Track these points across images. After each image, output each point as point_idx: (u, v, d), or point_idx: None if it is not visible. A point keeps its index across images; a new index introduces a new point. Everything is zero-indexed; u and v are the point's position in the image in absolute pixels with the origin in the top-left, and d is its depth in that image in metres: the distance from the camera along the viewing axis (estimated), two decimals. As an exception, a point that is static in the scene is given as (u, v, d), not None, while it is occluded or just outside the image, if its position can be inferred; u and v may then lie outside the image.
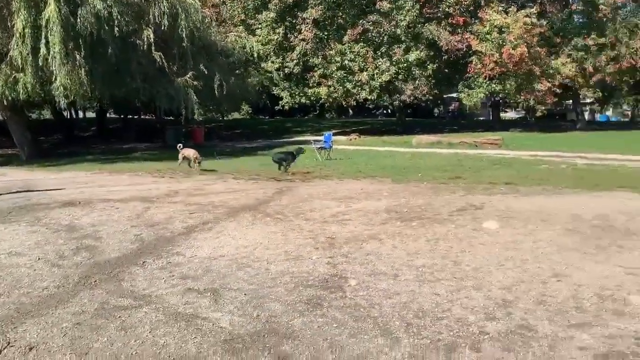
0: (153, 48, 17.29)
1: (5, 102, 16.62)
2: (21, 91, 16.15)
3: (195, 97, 19.17)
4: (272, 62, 30.25)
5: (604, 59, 29.50)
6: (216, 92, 20.36)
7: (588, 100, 46.59)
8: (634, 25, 30.19)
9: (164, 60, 17.71)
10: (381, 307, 3.99)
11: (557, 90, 30.56)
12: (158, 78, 18.46)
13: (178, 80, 18.57)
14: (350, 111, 54.60)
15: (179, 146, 14.73)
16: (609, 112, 57.17)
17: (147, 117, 46.06)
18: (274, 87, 33.56)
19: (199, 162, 14.23)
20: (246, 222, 7.26)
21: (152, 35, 17.18)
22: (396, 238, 6.08)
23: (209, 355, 3.26)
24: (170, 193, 10.27)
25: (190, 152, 14.60)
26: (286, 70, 30.75)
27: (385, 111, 53.84)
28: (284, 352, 3.28)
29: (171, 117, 32.94)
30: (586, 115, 45.67)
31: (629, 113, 55.90)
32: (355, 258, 5.32)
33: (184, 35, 18.04)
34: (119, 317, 3.91)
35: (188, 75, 18.69)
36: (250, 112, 56.86)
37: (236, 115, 54.72)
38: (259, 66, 30.38)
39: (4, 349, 3.41)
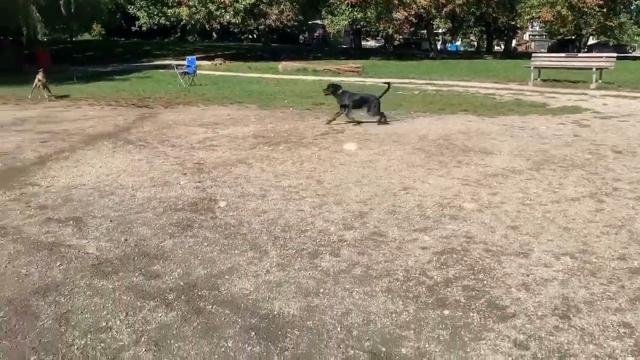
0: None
1: None
2: None
3: (38, 15, 17.07)
4: (126, -24, 27.70)
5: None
6: (63, 10, 18.29)
7: (441, 31, 49.67)
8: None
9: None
10: (250, 224, 4.19)
11: (413, 19, 32.13)
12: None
13: (16, -7, 16.35)
14: (215, 35, 52.41)
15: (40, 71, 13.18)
16: (459, 43, 61.63)
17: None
18: (129, 6, 30.87)
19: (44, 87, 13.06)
20: (106, 150, 6.94)
21: None
22: (264, 161, 6.27)
23: (77, 280, 3.23)
24: (16, 121, 9.36)
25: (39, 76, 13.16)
26: (143, -14, 28.40)
27: (250, 36, 52.48)
28: (155, 271, 3.37)
29: (9, 37, 28.96)
30: (439, 45, 48.80)
31: (475, 44, 60.88)
32: (224, 182, 5.43)
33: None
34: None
35: (29, -13, 16.53)
36: (103, 33, 52.00)
37: (87, 36, 49.75)
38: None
39: None
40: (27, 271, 3.36)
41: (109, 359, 2.45)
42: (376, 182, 5.37)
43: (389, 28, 33.29)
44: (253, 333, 2.63)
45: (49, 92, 13.11)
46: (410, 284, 3.19)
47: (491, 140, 7.47)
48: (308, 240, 3.86)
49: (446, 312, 2.88)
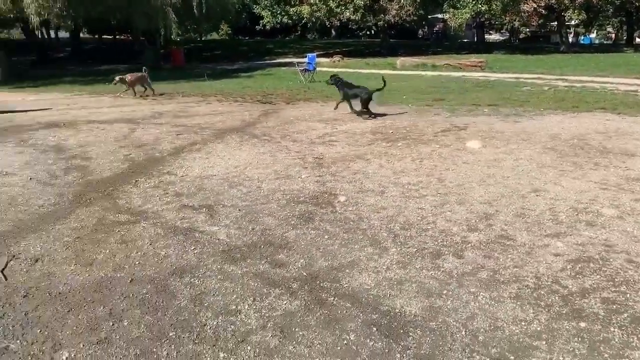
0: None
1: (-26, 19, 15.90)
2: (-10, 8, 15.45)
3: (173, 16, 18.53)
4: (254, -22, 29.07)
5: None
6: (195, 11, 19.67)
7: (573, 22, 46.00)
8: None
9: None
10: (369, 220, 4.19)
11: (543, 11, 30.10)
12: (135, -5, 17.77)
13: (155, -3, 17.87)
14: (333, 32, 53.23)
15: (116, 78, 13.18)
16: (593, 35, 56.67)
17: (122, 37, 44.33)
18: (254, 6, 32.40)
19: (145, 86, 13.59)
20: (234, 143, 7.33)
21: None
22: (382, 158, 6.24)
23: (209, 264, 3.45)
24: (155, 115, 10.21)
25: (130, 77, 13.42)
26: (268, -13, 29.61)
27: (368, 32, 52.57)
28: (280, 260, 3.49)
29: (143, 38, 31.79)
30: (570, 38, 45.26)
31: (613, 35, 55.49)
32: (343, 176, 5.49)
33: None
34: (118, 231, 4.07)
35: (166, -8, 17.99)
36: (229, 32, 55.05)
37: (215, 35, 52.99)
38: (240, -17, 29.22)
39: (10, 260, 3.56)
40: (165, 253, 3.65)
41: (239, 341, 2.58)
42: (502, 182, 5.10)
43: (515, 20, 31.52)
44: (375, 329, 2.63)
45: (152, 90, 13.72)
46: (542, 292, 2.99)
47: (634, 141, 6.76)
48: (429, 240, 3.77)
49: (582, 324, 2.66)
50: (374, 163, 6.02)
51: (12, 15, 17.63)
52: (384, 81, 9.28)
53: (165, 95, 13.79)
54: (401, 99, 11.78)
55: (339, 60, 26.78)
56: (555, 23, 39.71)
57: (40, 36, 34.46)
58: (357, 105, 9.29)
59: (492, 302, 2.88)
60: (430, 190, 4.93)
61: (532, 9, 28.75)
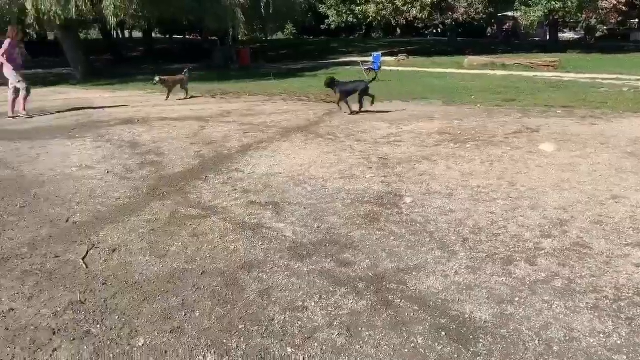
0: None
1: (57, 21, 16.89)
2: (73, 9, 16.36)
3: (242, 16, 18.96)
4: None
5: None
6: (262, 11, 20.04)
7: (657, 19, 43.18)
8: None
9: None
10: (437, 223, 4.12)
11: (623, 8, 28.48)
12: (206, -3, 18.31)
13: (226, -1, 18.34)
14: (398, 31, 52.70)
15: (156, 79, 12.77)
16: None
17: (191, 37, 45.84)
18: (320, 5, 32.60)
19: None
20: (299, 142, 7.41)
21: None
22: (450, 159, 6.12)
23: (276, 260, 3.50)
24: (223, 113, 10.49)
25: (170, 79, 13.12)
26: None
27: (435, 31, 51.57)
28: (345, 259, 3.50)
29: (215, 38, 32.72)
30: (653, 36, 42.51)
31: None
32: (409, 178, 5.43)
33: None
34: (190, 225, 4.21)
35: (236, -7, 18.44)
36: (294, 32, 55.72)
37: (280, 35, 53.78)
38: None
39: (90, 249, 3.77)
40: (234, 247, 3.75)
41: (306, 337, 2.61)
42: (578, 187, 4.87)
43: (592, 18, 30.00)
44: (443, 333, 2.58)
45: (186, 92, 13.13)
46: (622, 304, 2.83)
47: None
48: (500, 245, 3.65)
49: (669, 342, 2.49)
50: (441, 165, 5.91)
51: (91, 17, 18.61)
52: (376, 74, 10.90)
53: (232, 95, 14.13)
54: (469, 99, 11.51)
55: (404, 59, 26.48)
56: (637, 20, 37.45)
57: (115, 36, 36.27)
58: (355, 105, 9.78)
59: (568, 312, 2.75)
60: (501, 194, 4.78)
61: (612, 5, 27.26)
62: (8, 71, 10.09)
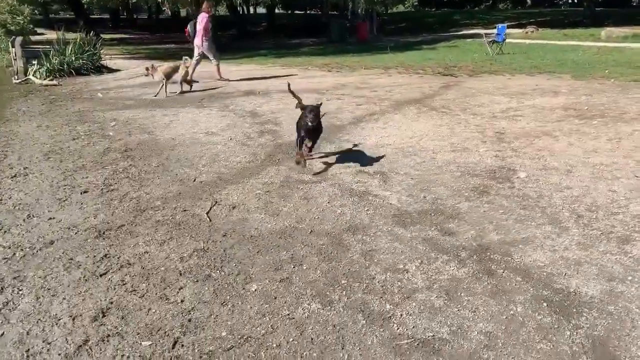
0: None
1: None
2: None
3: (361, -10, 18.91)
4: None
5: None
6: (383, -17, 19.80)
7: None
8: None
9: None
10: (551, 199, 3.97)
11: None
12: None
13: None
14: (529, 1, 49.25)
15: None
16: None
17: (312, 12, 46.64)
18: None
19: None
20: (411, 114, 7.39)
21: None
22: (572, 136, 5.77)
23: (380, 225, 3.62)
24: (338, 86, 10.69)
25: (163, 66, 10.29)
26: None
27: (569, 0, 47.44)
28: (450, 229, 3.52)
29: (335, 12, 32.97)
30: None
31: None
32: (525, 153, 5.23)
33: None
34: (301, 189, 4.46)
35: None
36: (415, 4, 54.34)
37: (400, 8, 52.75)
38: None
39: (213, 205, 4.16)
40: (341, 211, 3.92)
41: (405, 297, 2.72)
42: None
43: None
44: (545, 304, 2.54)
45: (190, 86, 10.66)
46: None
47: None
48: (618, 224, 3.45)
49: None
50: (562, 141, 5.60)
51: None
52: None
53: (348, 68, 14.29)
54: (602, 74, 10.60)
55: (532, 32, 24.81)
56: None
57: (241, 12, 37.94)
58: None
59: (689, 297, 2.57)
60: (626, 173, 4.45)
61: None
62: (207, 44, 11.25)
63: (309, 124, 4.65)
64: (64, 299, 2.75)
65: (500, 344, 2.26)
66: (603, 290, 2.65)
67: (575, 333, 2.32)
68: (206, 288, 2.86)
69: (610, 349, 2.20)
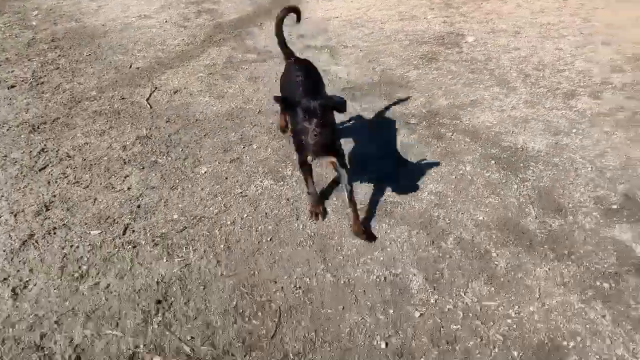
0: None
1: None
2: None
3: None
4: None
5: None
6: None
7: None
8: None
9: None
10: (499, 60, 3.93)
11: None
12: None
13: None
14: None
15: None
16: None
17: None
18: None
19: None
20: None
21: None
22: (520, -3, 5.64)
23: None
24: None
25: None
26: None
27: None
28: (399, 98, 3.47)
29: None
30: None
31: None
32: (473, 17, 5.09)
33: None
34: (246, 69, 4.25)
35: None
36: None
37: None
38: None
39: (153, 92, 3.93)
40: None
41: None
42: (663, 20, 4.42)
43: None
44: (493, 162, 2.60)
45: None
46: (690, 136, 2.70)
47: None
48: (564, 80, 3.48)
49: None
50: (510, 3, 5.46)
51: None
52: None
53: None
54: None
55: None
56: None
57: None
58: None
59: (628, 142, 2.67)
60: (572, 31, 4.43)
61: None
62: None
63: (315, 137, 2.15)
64: (2, 196, 2.61)
65: (450, 202, 2.32)
66: (549, 144, 2.72)
67: (522, 186, 2.39)
68: (153, 174, 2.77)
69: (554, 197, 2.29)
